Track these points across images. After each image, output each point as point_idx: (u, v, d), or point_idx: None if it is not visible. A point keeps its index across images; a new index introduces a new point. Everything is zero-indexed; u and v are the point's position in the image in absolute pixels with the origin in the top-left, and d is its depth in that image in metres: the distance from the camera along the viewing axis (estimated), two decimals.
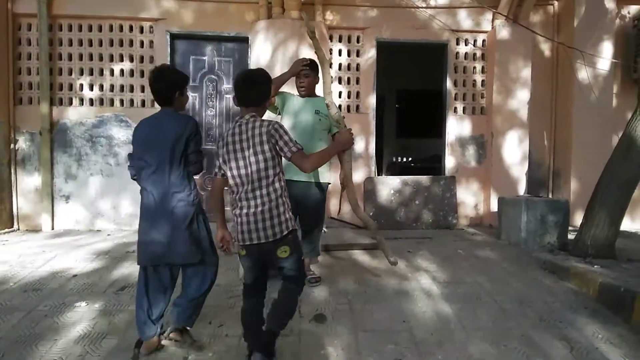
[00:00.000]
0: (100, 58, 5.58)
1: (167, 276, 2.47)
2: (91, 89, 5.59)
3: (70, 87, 5.58)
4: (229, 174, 2.23)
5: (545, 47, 6.20)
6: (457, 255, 4.35)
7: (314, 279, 3.44)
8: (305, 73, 3.39)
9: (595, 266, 3.61)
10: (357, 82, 5.91)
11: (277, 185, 2.20)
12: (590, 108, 5.80)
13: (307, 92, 3.44)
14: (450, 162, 6.08)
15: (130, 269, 3.81)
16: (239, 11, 5.62)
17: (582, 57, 5.52)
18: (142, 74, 5.63)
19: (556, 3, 6.14)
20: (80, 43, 5.55)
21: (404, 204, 5.82)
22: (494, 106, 5.87)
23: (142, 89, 5.63)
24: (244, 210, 2.18)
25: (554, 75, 6.16)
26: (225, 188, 2.35)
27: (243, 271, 2.40)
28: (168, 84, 2.42)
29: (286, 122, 3.42)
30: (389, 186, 5.83)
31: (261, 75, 2.31)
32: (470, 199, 6.08)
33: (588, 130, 5.81)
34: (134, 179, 2.49)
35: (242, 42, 5.70)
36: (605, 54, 5.81)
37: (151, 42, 5.62)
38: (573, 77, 5.81)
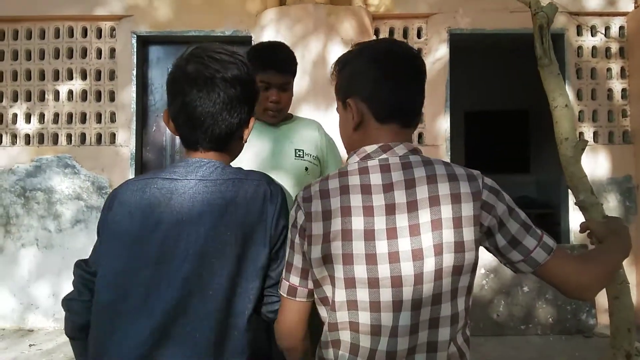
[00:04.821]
0: (42, 76, 3.88)
1: None
2: (28, 120, 3.87)
3: (0, 119, 3.88)
4: (337, 295, 0.83)
5: None
6: None
7: None
8: (276, 80, 1.47)
9: None
10: None
11: (461, 339, 0.86)
12: None
13: (281, 116, 1.55)
14: (577, 220, 3.75)
15: None
16: (237, 0, 3.79)
17: None
18: (98, 97, 3.85)
19: None
20: (15, 56, 3.88)
21: (504, 292, 3.54)
22: None
23: (99, 118, 3.84)
24: None
25: None
26: None
27: None
28: (240, 97, 0.96)
29: None
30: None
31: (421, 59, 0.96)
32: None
33: None
34: (72, 337, 1.00)
35: (243, 43, 3.82)
36: None
37: (112, 49, 3.86)
38: None
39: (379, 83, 0.88)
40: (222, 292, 0.86)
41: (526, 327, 3.52)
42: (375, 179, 0.84)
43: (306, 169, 1.47)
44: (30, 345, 3.39)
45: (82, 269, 0.97)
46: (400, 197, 0.82)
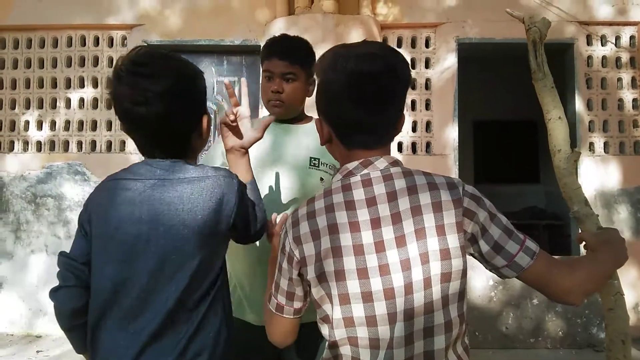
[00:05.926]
0: (54, 84, 3.93)
1: None
2: (40, 127, 3.92)
3: (13, 125, 3.94)
4: (335, 313, 0.83)
5: None
6: None
7: None
8: (277, 68, 1.40)
9: None
10: (427, 107, 3.83)
11: (461, 348, 0.86)
12: None
13: (286, 110, 1.43)
14: None
15: None
16: (247, 8, 3.82)
17: None
18: (109, 105, 3.89)
19: None
20: (29, 64, 3.95)
21: (513, 304, 3.50)
22: None
23: (109, 126, 3.89)
24: None
25: None
26: None
27: None
28: (178, 105, 0.98)
29: None
30: (486, 274, 3.56)
31: (404, 64, 0.90)
32: (626, 293, 3.64)
33: None
34: (66, 328, 1.02)
35: (253, 53, 3.85)
36: None
37: None
38: None
39: (343, 116, 0.88)
40: (180, 289, 0.91)
41: (535, 341, 3.47)
42: (359, 194, 0.85)
43: (321, 179, 1.38)
44: (37, 352, 3.41)
45: (66, 256, 1.02)
46: (384, 210, 0.83)
